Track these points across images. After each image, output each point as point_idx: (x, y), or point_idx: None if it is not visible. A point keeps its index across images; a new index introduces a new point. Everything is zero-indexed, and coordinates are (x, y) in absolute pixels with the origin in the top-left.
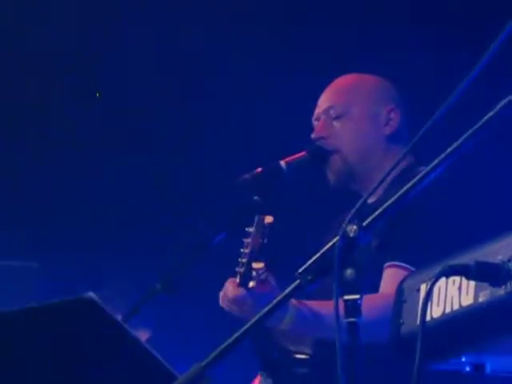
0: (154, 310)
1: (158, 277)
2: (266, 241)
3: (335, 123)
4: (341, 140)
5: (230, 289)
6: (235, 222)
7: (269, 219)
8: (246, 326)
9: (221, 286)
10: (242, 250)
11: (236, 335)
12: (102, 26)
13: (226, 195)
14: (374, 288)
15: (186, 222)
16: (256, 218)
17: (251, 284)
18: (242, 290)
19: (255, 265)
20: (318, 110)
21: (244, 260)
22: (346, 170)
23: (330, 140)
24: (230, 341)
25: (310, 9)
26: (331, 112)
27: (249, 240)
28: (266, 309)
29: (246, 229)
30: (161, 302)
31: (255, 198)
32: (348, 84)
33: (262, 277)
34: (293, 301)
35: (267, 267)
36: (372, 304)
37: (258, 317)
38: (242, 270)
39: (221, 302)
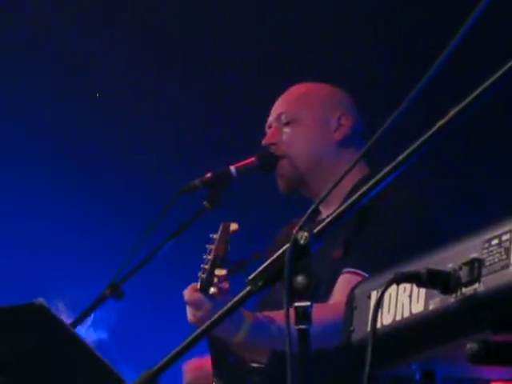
0: (105, 315)
1: (108, 283)
2: (229, 248)
3: (285, 129)
4: (290, 146)
5: (187, 292)
6: (184, 227)
7: (234, 226)
8: (195, 333)
9: (169, 292)
10: (204, 256)
11: (186, 341)
12: None
13: (175, 201)
14: None
15: (135, 227)
16: (221, 225)
17: (212, 290)
18: (198, 295)
19: (218, 271)
20: (270, 118)
21: (206, 266)
22: (295, 176)
23: (280, 146)
24: (179, 347)
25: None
26: (282, 118)
27: (212, 246)
28: (217, 315)
29: (211, 235)
30: (112, 308)
31: (204, 203)
32: (299, 91)
33: (224, 285)
34: (246, 314)
35: (228, 275)
36: (322, 312)
37: (208, 323)
38: (203, 275)
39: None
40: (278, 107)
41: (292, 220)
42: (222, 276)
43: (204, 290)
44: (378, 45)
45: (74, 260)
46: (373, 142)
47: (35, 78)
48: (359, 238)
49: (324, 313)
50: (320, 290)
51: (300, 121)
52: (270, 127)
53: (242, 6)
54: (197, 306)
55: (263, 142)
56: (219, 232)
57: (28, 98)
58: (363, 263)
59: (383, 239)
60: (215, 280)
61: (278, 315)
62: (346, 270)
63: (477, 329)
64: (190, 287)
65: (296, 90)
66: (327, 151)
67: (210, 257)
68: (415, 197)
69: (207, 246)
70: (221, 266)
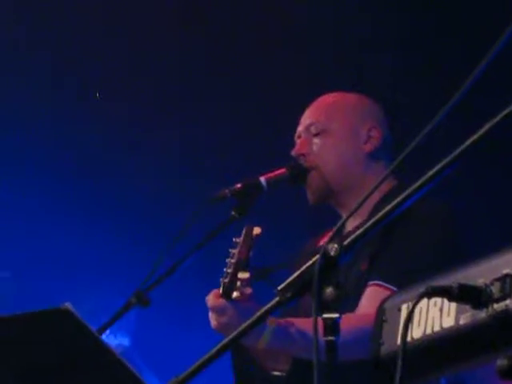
0: (126, 322)
1: (134, 290)
2: (252, 252)
3: (315, 140)
4: (320, 157)
5: (210, 298)
6: (212, 237)
7: (257, 230)
8: (223, 341)
9: (196, 300)
10: (227, 260)
11: (213, 350)
12: None
13: (205, 210)
14: None
15: (163, 237)
16: (244, 229)
17: (235, 294)
18: (222, 301)
19: (241, 275)
20: (299, 128)
21: (229, 270)
22: (324, 187)
23: (310, 157)
24: (207, 356)
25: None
26: (311, 129)
27: (235, 250)
28: (246, 324)
29: (234, 239)
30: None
31: (233, 213)
32: (329, 102)
33: (247, 290)
34: (270, 319)
35: (252, 279)
36: (350, 323)
37: (237, 332)
38: (226, 280)
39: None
40: (308, 117)
41: (318, 232)
42: (245, 280)
43: (226, 294)
44: (410, 55)
45: (101, 268)
46: (404, 156)
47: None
48: (386, 250)
49: (354, 322)
50: (346, 302)
51: (330, 132)
52: (299, 137)
53: (267, 15)
54: (220, 312)
55: (293, 152)
56: (242, 236)
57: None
58: (389, 275)
59: (409, 252)
60: (238, 284)
61: (302, 322)
62: (371, 282)
63: (507, 345)
64: (212, 293)
65: (325, 99)
66: (356, 163)
67: (232, 260)
68: (444, 210)
69: (230, 250)
70: (244, 270)
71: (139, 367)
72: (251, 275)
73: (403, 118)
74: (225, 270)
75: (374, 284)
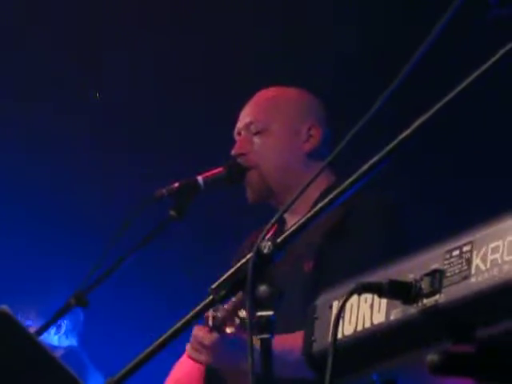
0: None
1: (73, 292)
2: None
3: (255, 139)
4: (260, 156)
5: (202, 335)
6: (151, 237)
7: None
8: (157, 341)
9: (135, 300)
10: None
11: (149, 349)
12: None
13: (142, 210)
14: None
15: (101, 238)
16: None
17: (229, 330)
18: (217, 335)
19: (242, 313)
20: (238, 125)
21: (226, 307)
22: (263, 186)
23: (250, 156)
24: (142, 355)
25: None
26: (251, 127)
27: None
28: (179, 324)
29: None
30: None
31: (171, 213)
32: (269, 98)
33: (240, 323)
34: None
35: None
36: (294, 342)
37: (173, 330)
38: (218, 314)
39: (188, 351)
40: (247, 115)
41: (254, 230)
42: (245, 318)
43: (218, 329)
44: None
45: (43, 268)
46: (338, 151)
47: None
48: (331, 252)
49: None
50: (283, 300)
51: (270, 131)
52: (239, 134)
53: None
54: (216, 347)
55: (233, 151)
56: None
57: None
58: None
59: (354, 256)
60: (237, 321)
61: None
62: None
63: (438, 340)
64: (199, 328)
65: (265, 95)
66: (296, 163)
67: (233, 298)
68: (387, 203)
69: None
70: (244, 308)
71: (86, 367)
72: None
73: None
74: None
75: None
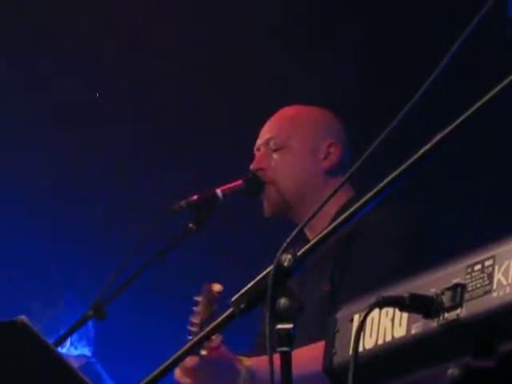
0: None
1: (90, 303)
2: (215, 308)
3: (274, 155)
4: (278, 172)
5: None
6: (170, 249)
7: (217, 288)
8: (176, 354)
9: (152, 311)
10: (191, 319)
11: (167, 362)
12: None
13: (160, 222)
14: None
15: (120, 249)
16: (203, 287)
17: (203, 352)
18: (195, 358)
19: (214, 337)
20: (258, 141)
21: (194, 329)
22: (281, 202)
23: (268, 172)
24: (160, 368)
25: None
26: (271, 144)
27: (198, 309)
28: (200, 336)
29: (195, 297)
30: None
31: (190, 225)
32: (289, 116)
33: (214, 344)
34: (245, 362)
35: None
36: (311, 355)
37: (191, 343)
38: (191, 338)
39: (176, 376)
40: (268, 131)
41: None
42: (214, 340)
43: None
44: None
45: (60, 278)
46: (358, 165)
47: None
48: (348, 270)
49: (315, 353)
50: (303, 313)
51: (289, 148)
52: (258, 150)
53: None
54: (197, 370)
55: (252, 166)
56: (202, 294)
57: None
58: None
59: (373, 273)
60: (206, 343)
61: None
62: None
63: (459, 354)
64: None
65: (286, 113)
66: (314, 179)
67: (196, 320)
68: (402, 219)
69: (193, 308)
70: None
71: (101, 377)
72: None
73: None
74: (189, 328)
75: None
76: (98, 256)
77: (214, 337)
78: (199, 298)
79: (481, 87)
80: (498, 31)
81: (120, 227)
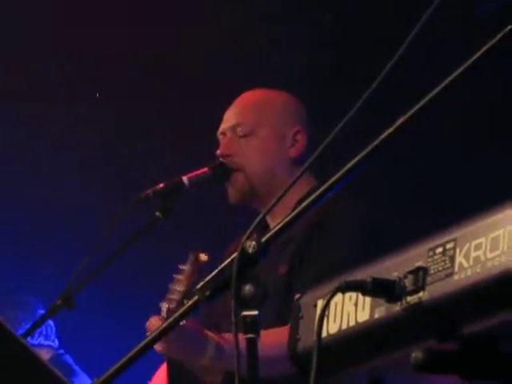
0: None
1: (59, 293)
2: (196, 278)
3: (242, 141)
4: (246, 159)
5: (153, 323)
6: (137, 238)
7: (203, 257)
8: (143, 342)
9: (121, 300)
10: (171, 286)
11: (134, 351)
12: None
13: (127, 210)
14: (281, 314)
15: (88, 239)
16: (190, 256)
17: (182, 322)
18: None
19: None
20: (223, 125)
21: (174, 296)
22: (248, 189)
23: (235, 158)
24: (128, 356)
25: None
26: (238, 130)
27: (181, 277)
28: (166, 324)
29: (180, 266)
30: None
31: (157, 213)
32: (256, 101)
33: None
34: (212, 337)
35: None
36: (274, 338)
37: (156, 333)
38: (171, 305)
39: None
40: (234, 117)
41: (238, 234)
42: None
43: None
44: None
45: (30, 270)
46: (318, 154)
47: None
48: (304, 256)
49: (278, 337)
50: (267, 299)
51: (257, 134)
52: (223, 134)
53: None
54: (167, 337)
55: (218, 152)
56: (188, 262)
57: None
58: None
59: (330, 260)
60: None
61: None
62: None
63: (422, 337)
64: (154, 319)
65: (252, 98)
66: (281, 168)
67: (179, 288)
68: (361, 208)
69: (175, 276)
70: (190, 298)
71: (72, 369)
72: None
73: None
74: (167, 295)
75: None
76: (65, 246)
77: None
78: (184, 267)
79: (448, 67)
80: (468, 10)
81: (89, 217)
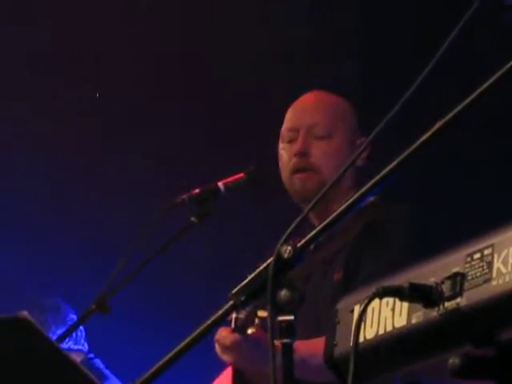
0: (90, 330)
1: (94, 297)
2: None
3: (317, 143)
4: (322, 161)
5: (224, 335)
6: (172, 243)
7: (262, 313)
8: (181, 344)
9: (155, 305)
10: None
11: (170, 354)
12: None
13: (163, 215)
14: None
15: (122, 241)
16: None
17: (250, 331)
18: (238, 336)
19: (260, 313)
20: (296, 123)
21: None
22: (317, 191)
23: (311, 158)
24: (163, 360)
25: None
26: (314, 130)
27: (237, 316)
28: (202, 327)
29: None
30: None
31: (192, 219)
32: (333, 104)
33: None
34: (278, 346)
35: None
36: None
37: (195, 334)
38: (241, 316)
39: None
40: (311, 116)
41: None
42: (264, 318)
43: (241, 330)
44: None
45: (64, 276)
46: (361, 151)
47: None
48: (359, 262)
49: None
50: (303, 304)
51: (333, 138)
52: (294, 131)
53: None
54: (238, 348)
55: (294, 149)
56: (246, 312)
57: None
58: None
59: (382, 266)
60: (256, 321)
61: (303, 344)
62: None
63: (459, 343)
64: (223, 330)
65: (329, 100)
66: (349, 175)
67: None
68: (409, 213)
69: (235, 314)
70: (263, 308)
71: (102, 373)
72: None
73: None
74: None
75: None
76: (101, 251)
77: (260, 312)
78: (241, 314)
79: (480, 75)
80: (495, 18)
81: (124, 222)
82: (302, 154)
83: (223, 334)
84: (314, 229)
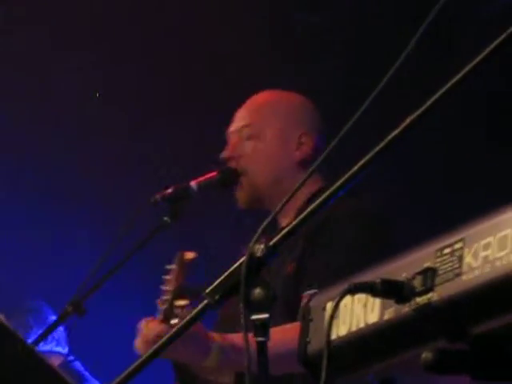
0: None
1: (69, 299)
2: (187, 275)
3: (247, 143)
4: (251, 162)
5: (151, 327)
6: (145, 243)
7: (190, 255)
8: (152, 349)
9: (131, 305)
10: (162, 288)
11: (141, 359)
12: None
13: (136, 216)
14: (290, 312)
15: (97, 246)
16: (176, 255)
17: (173, 321)
18: (165, 326)
19: (178, 302)
20: (231, 128)
21: (166, 297)
22: (254, 192)
23: (241, 160)
24: (137, 362)
25: None
26: (244, 131)
27: (169, 277)
28: (176, 329)
29: (167, 266)
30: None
31: (165, 218)
32: (264, 103)
33: (186, 314)
34: (216, 338)
35: (191, 303)
36: (283, 335)
37: (165, 339)
38: (164, 307)
39: (137, 344)
40: (241, 118)
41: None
42: (184, 306)
43: (167, 321)
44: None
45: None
46: (324, 156)
47: None
48: (311, 256)
49: (288, 334)
50: (276, 302)
51: (262, 137)
52: (228, 135)
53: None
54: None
55: (223, 154)
56: (175, 262)
57: None
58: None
59: (333, 259)
60: (177, 311)
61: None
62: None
63: (432, 338)
64: (148, 321)
65: (260, 100)
66: (287, 170)
67: (168, 288)
68: (362, 210)
69: (163, 277)
70: (181, 297)
71: (82, 376)
72: (189, 300)
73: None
74: (160, 297)
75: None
76: (75, 252)
77: (177, 302)
78: (171, 267)
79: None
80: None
81: (96, 222)
82: (227, 159)
83: (149, 325)
84: (279, 228)
